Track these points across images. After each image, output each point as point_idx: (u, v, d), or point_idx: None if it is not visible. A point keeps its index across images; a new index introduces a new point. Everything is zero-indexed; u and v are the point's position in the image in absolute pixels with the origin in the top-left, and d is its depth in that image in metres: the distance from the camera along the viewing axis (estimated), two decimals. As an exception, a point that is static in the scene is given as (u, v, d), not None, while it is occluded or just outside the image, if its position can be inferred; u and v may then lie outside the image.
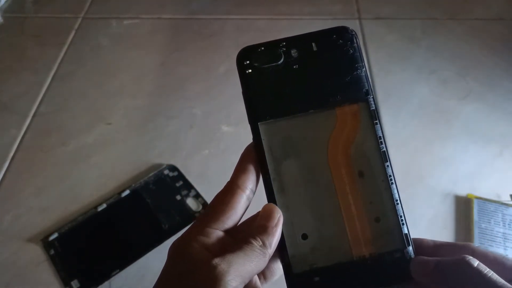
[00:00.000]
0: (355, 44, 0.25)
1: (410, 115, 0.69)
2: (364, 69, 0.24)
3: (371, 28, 0.84)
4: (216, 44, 0.81)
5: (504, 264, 0.21)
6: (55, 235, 0.54)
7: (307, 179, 0.24)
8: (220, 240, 0.23)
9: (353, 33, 0.25)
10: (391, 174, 0.24)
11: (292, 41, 0.25)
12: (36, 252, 0.54)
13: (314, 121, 0.24)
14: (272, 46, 0.25)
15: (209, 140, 0.66)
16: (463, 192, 0.58)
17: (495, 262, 0.21)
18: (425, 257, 0.22)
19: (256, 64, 0.25)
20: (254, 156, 0.24)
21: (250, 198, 0.24)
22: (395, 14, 0.87)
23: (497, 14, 0.87)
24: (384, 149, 0.24)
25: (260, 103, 0.24)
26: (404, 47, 0.80)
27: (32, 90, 0.73)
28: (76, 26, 0.85)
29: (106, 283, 0.51)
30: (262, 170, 0.24)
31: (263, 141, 0.24)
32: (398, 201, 0.23)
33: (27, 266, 0.52)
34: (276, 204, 0.24)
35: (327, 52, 0.25)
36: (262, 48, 0.25)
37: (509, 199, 0.58)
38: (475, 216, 0.55)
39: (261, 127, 0.24)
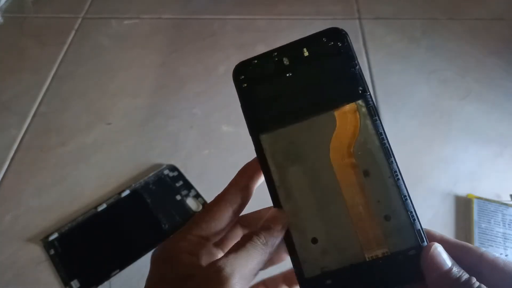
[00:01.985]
0: (347, 43, 0.24)
1: (410, 115, 0.69)
2: (357, 67, 0.24)
3: (371, 28, 0.84)
4: (216, 44, 0.81)
5: None
6: (55, 235, 0.54)
7: (313, 183, 0.24)
8: (201, 246, 0.23)
9: (343, 32, 0.25)
10: (397, 170, 0.23)
11: (283, 50, 0.25)
12: (36, 252, 0.54)
13: (314, 126, 0.24)
14: (265, 57, 0.25)
15: (209, 140, 0.66)
16: (463, 192, 0.58)
17: (504, 270, 0.21)
18: (438, 257, 0.21)
19: (251, 78, 0.25)
20: (250, 174, 0.25)
21: (237, 212, 0.25)
22: (395, 14, 0.87)
23: (497, 14, 0.86)
24: (387, 145, 0.24)
25: (259, 115, 0.25)
26: (404, 47, 0.80)
27: (32, 90, 0.73)
28: (76, 26, 0.85)
29: (106, 283, 0.51)
30: (267, 180, 0.24)
31: (265, 151, 0.24)
32: (407, 197, 0.23)
33: (27, 266, 0.52)
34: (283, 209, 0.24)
35: (320, 55, 0.25)
36: (256, 61, 0.25)
37: (509, 199, 0.58)
38: (475, 216, 0.55)
39: (262, 138, 0.24)
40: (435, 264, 0.21)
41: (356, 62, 0.24)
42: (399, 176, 0.23)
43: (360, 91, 0.24)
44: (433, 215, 0.56)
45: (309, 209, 0.24)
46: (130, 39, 0.83)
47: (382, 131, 0.24)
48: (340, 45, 0.24)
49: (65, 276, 0.51)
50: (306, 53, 0.25)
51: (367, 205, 0.23)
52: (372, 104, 0.24)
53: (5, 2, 0.90)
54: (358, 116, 0.24)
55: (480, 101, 0.70)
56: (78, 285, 0.50)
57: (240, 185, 0.25)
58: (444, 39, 0.81)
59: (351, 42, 0.24)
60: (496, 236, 0.53)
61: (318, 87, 0.24)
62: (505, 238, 0.53)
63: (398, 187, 0.23)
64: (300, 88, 0.24)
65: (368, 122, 0.24)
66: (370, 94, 0.24)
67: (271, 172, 0.24)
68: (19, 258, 0.53)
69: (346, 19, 0.86)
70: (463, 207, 0.57)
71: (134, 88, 0.74)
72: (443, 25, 0.85)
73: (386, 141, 0.24)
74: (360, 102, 0.24)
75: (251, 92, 0.25)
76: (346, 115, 0.24)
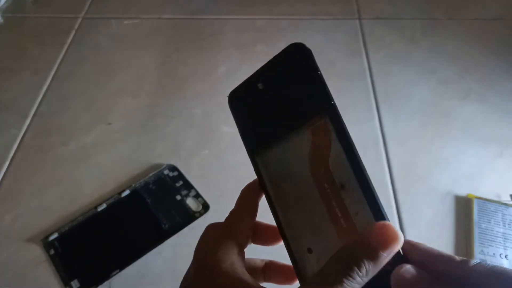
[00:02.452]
0: (309, 59, 0.24)
1: (410, 115, 0.69)
2: (321, 79, 0.24)
3: (371, 28, 0.84)
4: (216, 44, 0.81)
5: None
6: (55, 235, 0.54)
7: (300, 198, 0.24)
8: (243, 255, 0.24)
9: (300, 46, 0.24)
10: (367, 181, 0.22)
11: (257, 75, 0.26)
12: (36, 252, 0.54)
13: (293, 144, 0.25)
14: (246, 84, 0.26)
15: (209, 140, 0.66)
16: (463, 192, 0.58)
17: (496, 283, 0.19)
18: (406, 273, 0.20)
19: (239, 104, 0.26)
20: (253, 187, 0.26)
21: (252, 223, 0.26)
22: (395, 14, 0.87)
23: (497, 14, 0.87)
24: (353, 156, 0.23)
25: (251, 138, 0.26)
26: (404, 47, 0.80)
27: (32, 90, 0.73)
28: (76, 26, 0.85)
29: (106, 283, 0.51)
30: (265, 195, 0.26)
31: (261, 169, 0.26)
32: (379, 209, 0.22)
33: (27, 266, 0.52)
34: (281, 222, 0.25)
35: (285, 74, 0.25)
36: (240, 89, 0.27)
37: (509, 199, 0.58)
38: (475, 216, 0.55)
39: (257, 158, 0.26)
40: (403, 285, 0.20)
41: (317, 74, 0.24)
42: (369, 187, 0.22)
43: (324, 104, 0.23)
44: (433, 215, 0.56)
45: (302, 221, 0.24)
46: (130, 39, 0.83)
47: (348, 142, 0.23)
48: (301, 60, 0.24)
49: (65, 276, 0.51)
50: (275, 75, 0.25)
51: (347, 217, 0.23)
52: (336, 115, 0.23)
53: (5, 2, 0.90)
54: (329, 129, 0.23)
55: (480, 101, 0.70)
56: (78, 285, 0.50)
57: (253, 200, 0.26)
58: (444, 39, 0.81)
59: (312, 56, 0.24)
60: (496, 236, 0.53)
61: (290, 105, 0.25)
62: (505, 238, 0.53)
63: (369, 199, 0.22)
64: (277, 109, 0.25)
65: (335, 134, 0.23)
66: (334, 105, 0.23)
67: (267, 188, 0.25)
68: (19, 258, 0.53)
69: (346, 19, 0.86)
70: (463, 207, 0.57)
71: (134, 88, 0.74)
72: (443, 25, 0.85)
73: (351, 152, 0.23)
74: (328, 114, 0.23)
75: (241, 117, 0.26)
76: (317, 130, 0.24)
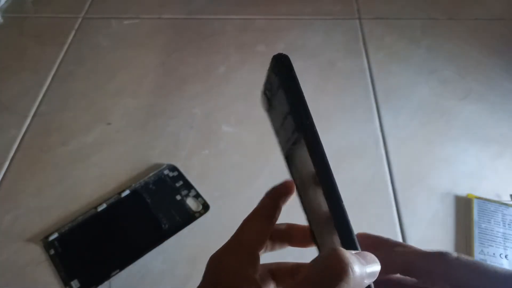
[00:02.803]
0: (288, 70, 0.22)
1: (410, 115, 0.69)
2: (299, 95, 0.22)
3: (371, 28, 0.84)
4: (216, 44, 0.81)
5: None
6: (55, 235, 0.54)
7: (314, 207, 0.24)
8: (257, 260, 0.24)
9: (280, 56, 0.23)
10: (340, 211, 0.21)
11: (266, 83, 0.25)
12: (36, 252, 0.54)
13: (301, 153, 0.23)
14: (264, 87, 0.26)
15: (209, 140, 0.66)
16: (463, 192, 0.58)
17: (482, 272, 0.19)
18: None
19: (266, 106, 0.26)
20: (277, 195, 0.26)
21: (271, 227, 0.26)
22: (395, 14, 0.87)
23: (497, 14, 0.87)
24: (326, 181, 0.21)
25: (280, 139, 0.26)
26: (404, 47, 0.80)
27: (32, 90, 0.73)
28: (76, 26, 0.85)
29: (106, 283, 0.51)
30: (298, 197, 0.26)
31: (291, 173, 0.25)
32: (352, 243, 0.21)
33: (27, 266, 0.52)
34: (310, 225, 0.24)
35: (276, 86, 0.23)
36: (264, 91, 0.26)
37: (509, 199, 0.58)
38: (475, 216, 0.55)
39: (287, 160, 0.25)
40: None
41: (297, 88, 0.22)
42: (338, 218, 0.21)
43: (301, 121, 0.22)
44: (433, 215, 0.56)
45: (320, 229, 0.24)
46: (130, 39, 0.83)
47: (322, 164, 0.21)
48: (282, 72, 0.23)
49: (65, 276, 0.51)
50: (270, 86, 0.24)
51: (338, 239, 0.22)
52: (311, 135, 0.21)
53: (5, 2, 0.90)
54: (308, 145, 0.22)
55: (480, 101, 0.70)
56: (78, 285, 0.50)
57: (272, 204, 0.26)
58: (444, 39, 0.81)
59: (290, 67, 0.22)
60: (496, 236, 0.53)
61: (287, 117, 0.23)
62: (505, 238, 0.53)
63: (338, 230, 0.21)
64: (285, 118, 0.24)
65: (309, 156, 0.22)
66: (309, 124, 0.22)
67: (298, 191, 0.25)
68: (19, 258, 0.53)
69: (346, 19, 0.86)
70: (463, 207, 0.57)
71: (134, 88, 0.74)
72: (443, 25, 0.85)
73: (323, 176, 0.21)
74: (302, 133, 0.22)
75: (271, 119, 0.26)
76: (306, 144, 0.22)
